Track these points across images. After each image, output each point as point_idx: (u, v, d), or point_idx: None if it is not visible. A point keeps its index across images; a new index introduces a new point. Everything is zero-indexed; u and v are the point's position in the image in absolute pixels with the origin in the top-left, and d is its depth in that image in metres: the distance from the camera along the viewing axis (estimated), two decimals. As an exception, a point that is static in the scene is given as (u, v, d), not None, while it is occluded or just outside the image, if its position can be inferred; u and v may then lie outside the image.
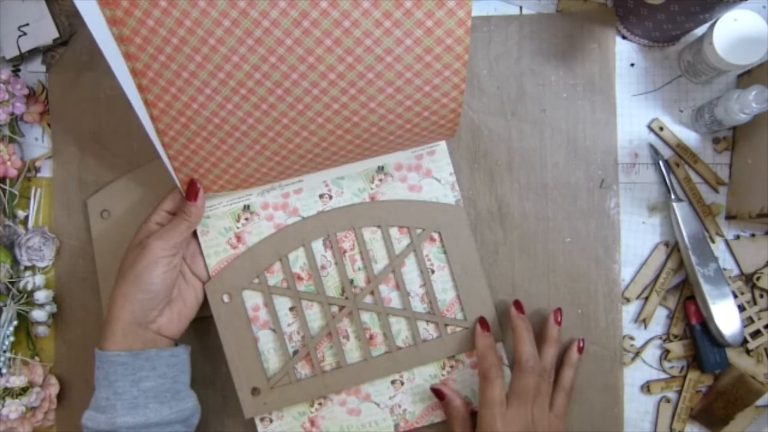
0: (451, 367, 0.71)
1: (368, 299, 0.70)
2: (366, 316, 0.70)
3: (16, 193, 0.74)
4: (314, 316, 0.70)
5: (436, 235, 0.70)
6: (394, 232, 0.70)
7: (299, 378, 0.70)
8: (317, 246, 0.70)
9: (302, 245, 0.70)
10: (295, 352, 0.70)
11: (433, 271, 0.70)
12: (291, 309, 0.70)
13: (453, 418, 0.68)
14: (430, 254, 0.70)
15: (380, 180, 0.71)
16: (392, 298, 0.70)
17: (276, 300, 0.70)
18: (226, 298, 0.69)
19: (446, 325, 0.70)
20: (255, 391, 0.69)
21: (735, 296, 0.71)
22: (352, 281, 0.70)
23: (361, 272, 0.70)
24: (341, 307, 0.70)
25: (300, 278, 0.70)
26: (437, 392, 0.69)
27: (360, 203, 0.71)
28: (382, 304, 0.70)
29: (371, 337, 0.70)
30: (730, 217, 0.73)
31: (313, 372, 0.70)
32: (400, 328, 0.70)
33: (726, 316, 0.69)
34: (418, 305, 0.70)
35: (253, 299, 0.70)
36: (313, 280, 0.70)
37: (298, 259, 0.70)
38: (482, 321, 0.69)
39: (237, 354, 0.69)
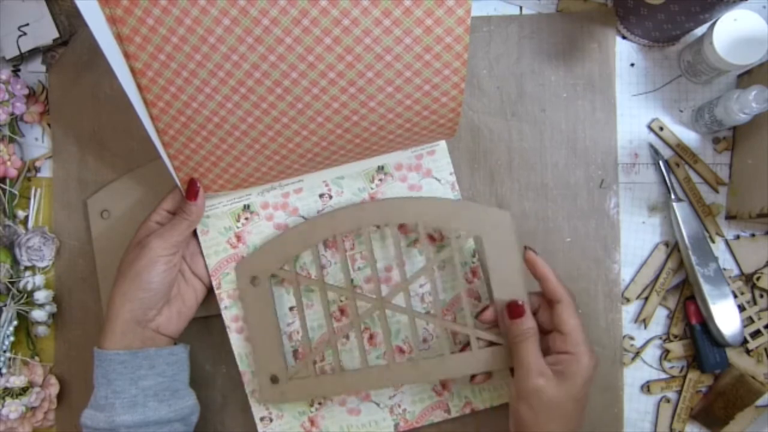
0: None
1: (396, 300, 0.67)
2: (392, 318, 0.70)
3: (16, 193, 0.74)
4: (332, 309, 0.70)
5: (437, 235, 0.70)
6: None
7: (319, 373, 0.69)
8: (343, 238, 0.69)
9: (333, 235, 0.67)
10: (294, 351, 0.70)
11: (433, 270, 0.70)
12: (290, 309, 0.70)
13: (528, 338, 0.62)
14: (430, 253, 0.70)
15: (380, 180, 0.70)
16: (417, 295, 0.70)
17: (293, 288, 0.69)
18: (255, 281, 0.68)
19: (478, 338, 0.66)
20: (274, 378, 0.68)
21: (735, 296, 0.71)
22: (352, 280, 0.70)
23: (366, 269, 0.70)
24: (344, 307, 0.70)
25: (320, 265, 0.70)
26: (514, 308, 0.63)
27: (400, 197, 0.69)
28: (411, 308, 0.67)
29: (398, 342, 0.70)
30: (730, 217, 0.73)
31: (334, 368, 0.68)
32: (428, 330, 0.70)
33: (726, 316, 0.69)
34: (419, 304, 0.70)
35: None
36: (338, 268, 0.70)
37: (304, 264, 0.70)
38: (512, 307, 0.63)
39: (260, 338, 0.68)
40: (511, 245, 0.65)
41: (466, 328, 0.66)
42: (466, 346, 0.68)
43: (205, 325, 0.72)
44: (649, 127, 0.74)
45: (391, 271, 0.70)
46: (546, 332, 0.64)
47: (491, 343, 0.66)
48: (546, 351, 0.62)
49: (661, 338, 0.73)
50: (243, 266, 0.69)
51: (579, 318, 0.62)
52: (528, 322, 0.62)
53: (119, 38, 0.56)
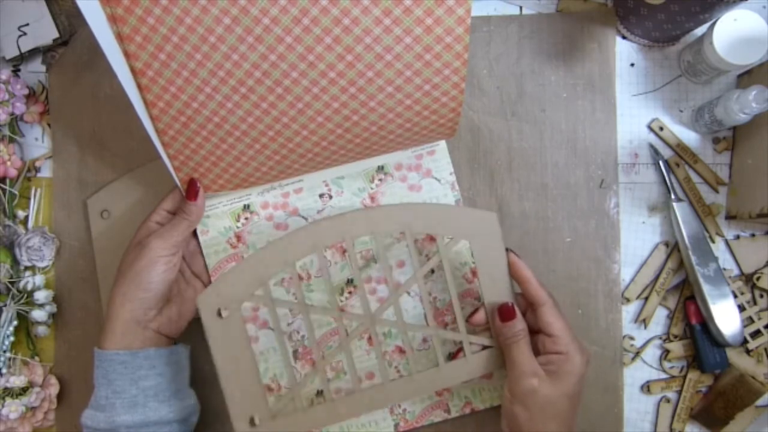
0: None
1: (385, 315, 0.65)
2: (383, 332, 0.69)
3: (16, 193, 0.74)
4: (319, 321, 0.69)
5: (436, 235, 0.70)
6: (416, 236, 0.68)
7: (307, 404, 0.66)
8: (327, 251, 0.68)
9: (314, 251, 0.63)
10: (295, 352, 0.70)
11: (433, 271, 0.70)
12: (289, 309, 0.70)
13: (519, 339, 0.62)
14: (429, 253, 0.70)
15: (380, 180, 0.71)
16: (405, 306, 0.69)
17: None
18: (223, 314, 0.61)
19: (471, 343, 0.65)
20: (252, 422, 0.63)
21: (735, 296, 0.71)
22: (351, 281, 0.70)
23: (362, 271, 0.70)
24: (336, 320, 0.69)
25: (300, 278, 0.70)
26: (505, 310, 0.63)
27: (378, 207, 0.68)
28: (403, 321, 0.65)
29: (387, 355, 0.70)
30: (730, 217, 0.73)
31: (325, 398, 0.65)
32: (420, 338, 0.70)
33: (726, 316, 0.69)
34: (419, 305, 0.70)
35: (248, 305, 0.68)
36: (320, 281, 0.69)
37: (303, 263, 0.70)
38: (504, 309, 0.63)
39: (232, 378, 0.62)
40: (498, 246, 0.64)
41: (459, 335, 0.65)
42: (461, 350, 0.67)
43: (205, 325, 0.72)
44: (649, 127, 0.74)
45: (391, 271, 0.70)
46: (534, 333, 0.64)
47: (484, 347, 0.66)
48: (536, 352, 0.63)
49: (661, 338, 0.73)
50: (206, 297, 0.61)
51: (564, 317, 0.63)
52: (519, 324, 0.63)
53: (120, 37, 0.56)
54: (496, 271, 0.65)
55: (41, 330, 0.73)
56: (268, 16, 0.55)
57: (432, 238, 0.70)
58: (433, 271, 0.70)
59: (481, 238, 0.64)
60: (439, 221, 0.64)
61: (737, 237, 0.73)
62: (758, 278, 0.72)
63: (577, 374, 0.60)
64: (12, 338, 0.71)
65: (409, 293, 0.70)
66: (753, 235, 0.73)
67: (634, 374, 0.73)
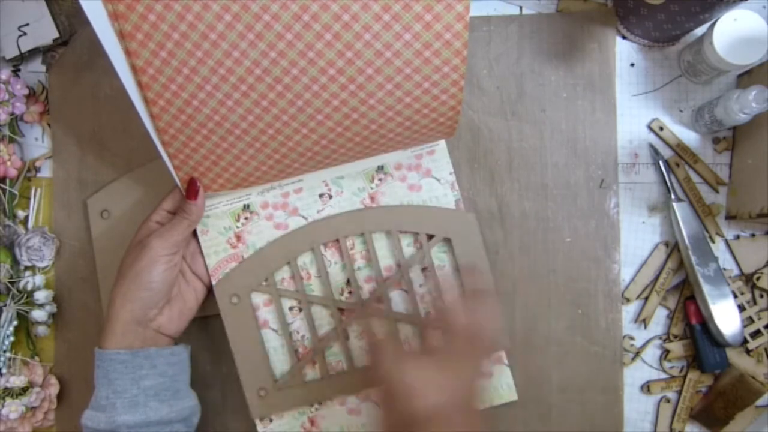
0: None
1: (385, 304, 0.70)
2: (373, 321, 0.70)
3: (16, 193, 0.74)
4: (321, 320, 0.70)
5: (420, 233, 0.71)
6: (402, 236, 0.71)
7: (306, 380, 0.70)
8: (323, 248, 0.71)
9: (311, 249, 0.70)
10: (296, 352, 0.70)
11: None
12: (290, 309, 0.70)
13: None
14: (430, 253, 0.70)
15: (380, 179, 0.70)
16: (397, 300, 0.70)
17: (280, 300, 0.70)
18: (234, 300, 0.69)
19: None
20: (262, 391, 0.69)
21: (735, 296, 0.71)
22: (348, 281, 0.70)
23: (362, 271, 0.70)
24: (341, 311, 0.70)
25: (300, 278, 0.70)
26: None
27: (369, 208, 0.70)
28: (392, 311, 0.69)
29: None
30: (730, 217, 0.73)
31: (321, 375, 0.70)
32: (407, 334, 0.70)
33: (726, 316, 0.69)
34: (419, 304, 0.70)
35: (256, 299, 0.70)
36: (320, 280, 0.70)
37: (304, 262, 0.71)
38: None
39: (245, 355, 0.69)
40: (477, 246, 0.70)
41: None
42: None
43: (205, 325, 0.72)
44: (649, 127, 0.74)
45: (390, 271, 0.70)
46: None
47: None
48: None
49: (661, 338, 0.73)
50: (222, 285, 0.69)
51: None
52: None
53: (121, 35, 0.56)
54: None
55: (41, 330, 0.73)
56: (268, 12, 0.55)
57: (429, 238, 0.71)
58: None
59: (461, 237, 0.70)
60: (422, 221, 0.70)
61: (737, 237, 0.73)
62: (758, 278, 0.72)
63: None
64: (12, 338, 0.71)
65: (407, 292, 0.70)
66: (753, 235, 0.73)
67: (634, 374, 0.73)
